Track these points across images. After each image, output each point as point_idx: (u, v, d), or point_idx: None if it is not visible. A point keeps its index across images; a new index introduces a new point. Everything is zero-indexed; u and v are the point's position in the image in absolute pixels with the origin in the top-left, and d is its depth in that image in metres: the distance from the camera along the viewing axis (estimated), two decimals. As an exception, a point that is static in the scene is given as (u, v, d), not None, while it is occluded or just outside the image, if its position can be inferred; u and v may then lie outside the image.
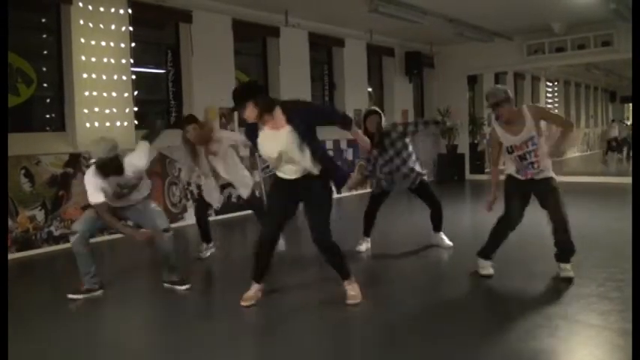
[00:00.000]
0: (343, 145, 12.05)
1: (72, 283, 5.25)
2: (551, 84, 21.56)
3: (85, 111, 7.75)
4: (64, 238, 7.41)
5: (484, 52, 13.82)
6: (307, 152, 4.39)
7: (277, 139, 4.38)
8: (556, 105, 21.90)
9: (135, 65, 8.36)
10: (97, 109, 7.85)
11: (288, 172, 4.52)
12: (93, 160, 5.00)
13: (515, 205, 5.14)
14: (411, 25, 11.13)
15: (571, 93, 23.53)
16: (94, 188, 4.98)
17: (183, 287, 5.29)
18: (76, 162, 7.67)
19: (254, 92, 4.44)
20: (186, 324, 4.46)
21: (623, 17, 11.39)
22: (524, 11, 11.15)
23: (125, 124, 8.07)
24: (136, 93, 8.33)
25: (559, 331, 3.97)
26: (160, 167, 8.60)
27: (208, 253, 6.65)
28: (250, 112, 4.41)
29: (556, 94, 21.94)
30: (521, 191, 5.15)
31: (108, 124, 7.91)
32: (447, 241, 6.72)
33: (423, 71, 14.64)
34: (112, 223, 5.16)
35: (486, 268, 5.37)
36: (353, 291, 4.71)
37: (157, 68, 9.35)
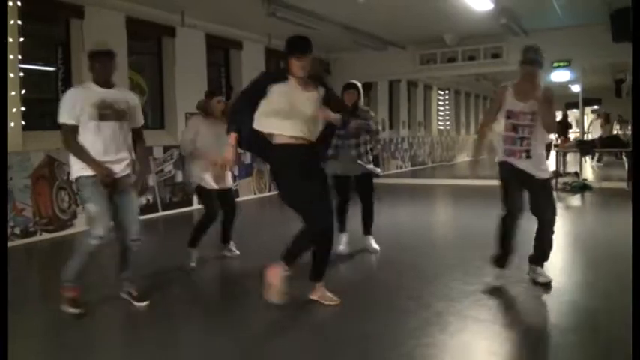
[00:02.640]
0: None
1: None
2: (442, 92, 22.50)
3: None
4: None
5: (379, 60, 14.22)
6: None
7: (309, 98, 4.44)
8: (447, 112, 22.87)
9: (23, 62, 7.96)
10: (-21, 107, 7.41)
11: (302, 131, 4.43)
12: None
13: (512, 196, 4.95)
14: (309, 32, 11.21)
15: (461, 101, 24.73)
16: (68, 104, 4.47)
17: (143, 304, 4.75)
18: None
19: None
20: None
21: (513, 32, 12.04)
22: (418, 22, 11.58)
23: (12, 124, 7.64)
24: (23, 91, 7.91)
25: (450, 326, 4.11)
26: (48, 171, 8.19)
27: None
28: (307, 64, 4.41)
29: (447, 102, 22.93)
30: (516, 179, 4.95)
31: (-7, 123, 7.47)
32: (375, 245, 6.62)
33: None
34: (77, 152, 4.51)
35: (542, 275, 5.09)
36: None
37: (46, 65, 8.94)
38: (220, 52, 12.11)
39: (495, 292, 4.88)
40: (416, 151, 20.29)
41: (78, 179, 4.60)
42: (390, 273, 5.69)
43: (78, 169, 4.56)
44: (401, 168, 18.93)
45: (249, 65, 12.21)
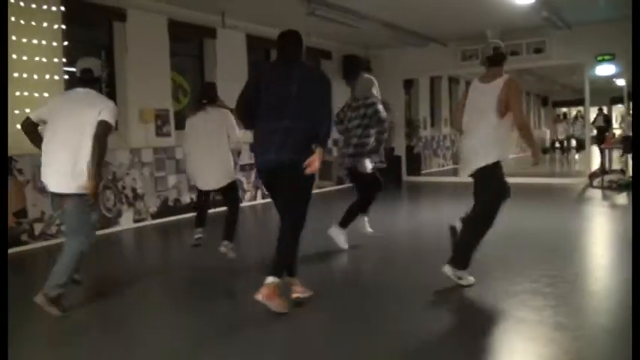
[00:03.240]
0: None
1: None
2: (484, 89, 22.13)
3: (16, 112, 7.47)
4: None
5: (419, 57, 14.09)
6: None
7: None
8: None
9: (67, 65, 8.12)
10: (28, 110, 7.55)
11: None
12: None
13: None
14: (349, 29, 11.23)
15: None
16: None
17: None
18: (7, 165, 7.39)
19: None
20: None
21: (555, 25, 11.81)
22: (459, 18, 11.42)
23: (57, 125, 7.83)
24: (68, 93, 8.08)
25: (494, 327, 4.05)
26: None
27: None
28: None
29: (489, 98, 22.55)
30: None
31: (40, 126, 7.63)
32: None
33: (360, 75, 14.74)
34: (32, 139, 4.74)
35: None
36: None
37: (90, 68, 9.08)
38: (261, 52, 12.14)
39: (540, 292, 4.79)
40: (458, 148, 20.06)
41: None
42: (430, 272, 5.63)
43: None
44: (443, 166, 18.76)
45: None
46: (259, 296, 4.25)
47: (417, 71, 15.28)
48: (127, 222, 8.85)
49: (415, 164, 15.82)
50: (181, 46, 10.39)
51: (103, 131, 4.56)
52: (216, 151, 6.18)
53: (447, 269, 4.88)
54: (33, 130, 4.83)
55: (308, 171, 4.32)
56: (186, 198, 9.74)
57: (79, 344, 4.07)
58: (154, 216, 9.28)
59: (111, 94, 9.05)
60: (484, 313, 4.37)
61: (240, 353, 3.75)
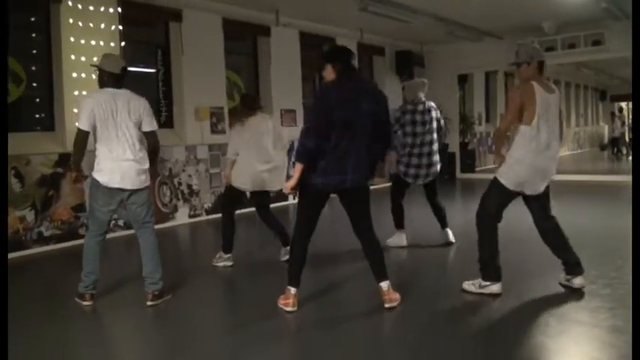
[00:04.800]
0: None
1: (65, 285, 5.20)
2: (541, 83, 21.59)
3: (75, 110, 7.69)
4: (54, 238, 7.42)
5: (474, 51, 13.86)
6: None
7: None
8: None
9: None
10: (86, 109, 7.80)
11: None
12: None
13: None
14: (402, 25, 11.15)
15: (561, 92, 23.57)
16: (85, 110, 4.64)
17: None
18: (65, 162, 7.61)
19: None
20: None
21: (614, 16, 11.45)
22: (514, 11, 11.20)
23: (115, 123, 8.04)
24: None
25: (549, 328, 3.98)
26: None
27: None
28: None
29: (546, 93, 21.99)
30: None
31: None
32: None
33: (413, 70, 14.65)
34: (76, 158, 4.77)
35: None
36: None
37: (147, 67, 9.30)
38: (314, 49, 12.15)
39: (597, 294, 4.67)
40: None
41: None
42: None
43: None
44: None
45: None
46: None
47: (472, 66, 15.07)
48: (182, 217, 9.04)
49: (469, 161, 15.60)
50: (236, 44, 10.51)
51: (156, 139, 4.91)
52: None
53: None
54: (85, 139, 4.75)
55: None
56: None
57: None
58: (209, 211, 9.43)
59: (167, 93, 9.25)
60: (538, 313, 4.29)
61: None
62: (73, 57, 7.67)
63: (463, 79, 16.32)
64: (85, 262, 4.85)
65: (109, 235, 6.76)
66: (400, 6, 10.15)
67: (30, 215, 7.27)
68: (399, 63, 14.01)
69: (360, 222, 4.56)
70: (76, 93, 7.67)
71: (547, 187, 4.83)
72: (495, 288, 4.71)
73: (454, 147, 14.87)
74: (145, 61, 9.33)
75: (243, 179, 5.94)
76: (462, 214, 9.78)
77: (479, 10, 11.08)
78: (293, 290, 4.49)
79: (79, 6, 7.72)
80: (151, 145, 4.89)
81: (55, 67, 7.74)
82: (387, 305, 4.45)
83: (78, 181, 5.16)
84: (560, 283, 4.83)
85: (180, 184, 9.05)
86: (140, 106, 4.79)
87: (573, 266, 4.78)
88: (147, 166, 4.82)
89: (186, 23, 9.12)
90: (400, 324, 4.35)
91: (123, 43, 8.23)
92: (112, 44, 8.05)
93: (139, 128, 4.78)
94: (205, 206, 9.42)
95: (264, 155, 5.92)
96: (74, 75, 7.68)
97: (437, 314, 4.45)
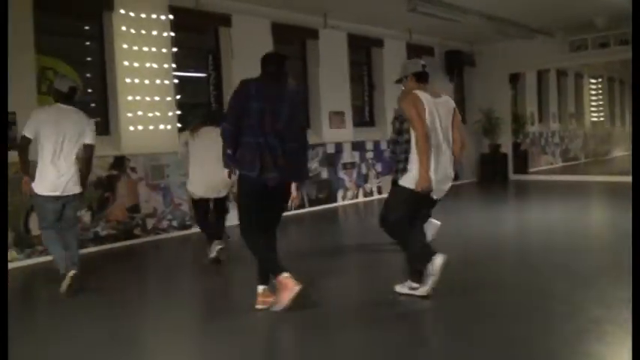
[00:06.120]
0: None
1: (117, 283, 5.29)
2: (595, 81, 21.08)
3: (129, 115, 7.89)
4: (110, 238, 7.63)
5: (526, 49, 13.58)
6: None
7: None
8: (600, 102, 21.43)
9: (177, 70, 8.47)
10: (140, 113, 7.98)
11: None
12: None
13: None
14: (451, 24, 11.03)
15: (615, 90, 22.96)
16: (31, 122, 5.32)
17: None
18: (120, 165, 7.82)
19: None
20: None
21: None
22: (566, 7, 10.94)
23: (168, 127, 8.19)
24: (178, 97, 8.44)
25: (607, 336, 3.87)
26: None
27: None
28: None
29: (600, 91, 21.45)
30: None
31: (151, 127, 8.05)
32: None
33: (463, 70, 14.50)
34: (21, 161, 5.35)
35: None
36: None
37: (198, 72, 9.44)
38: (362, 51, 12.17)
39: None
40: (567, 145, 19.28)
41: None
42: (537, 274, 5.45)
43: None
44: (551, 164, 18.01)
45: (391, 62, 12.17)
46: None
47: (524, 65, 14.79)
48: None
49: (522, 162, 15.31)
50: (284, 47, 10.55)
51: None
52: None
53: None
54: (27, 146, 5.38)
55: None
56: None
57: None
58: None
59: (218, 97, 9.37)
60: (589, 320, 4.17)
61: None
62: (126, 63, 7.84)
63: (515, 78, 16.04)
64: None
65: (163, 236, 6.91)
66: (449, 5, 10.04)
67: (86, 216, 7.46)
68: (449, 63, 13.86)
69: (276, 222, 4.80)
70: (130, 98, 7.86)
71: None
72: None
73: (506, 148, 14.59)
74: (196, 65, 9.47)
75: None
76: (516, 216, 9.63)
77: (528, 7, 10.86)
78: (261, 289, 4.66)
79: (132, 14, 7.90)
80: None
81: (108, 73, 7.93)
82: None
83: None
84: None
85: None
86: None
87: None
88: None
89: (236, 28, 9.22)
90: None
91: (174, 49, 8.38)
92: (164, 50, 8.21)
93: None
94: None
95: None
96: (127, 80, 7.85)
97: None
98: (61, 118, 5.33)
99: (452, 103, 4.90)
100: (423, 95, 4.74)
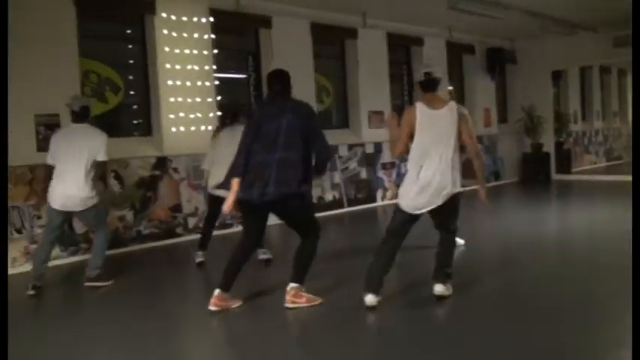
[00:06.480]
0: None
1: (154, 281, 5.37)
2: None
3: (171, 116, 8.02)
4: (152, 237, 7.78)
5: (568, 46, 13.32)
6: None
7: None
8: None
9: (217, 71, 8.58)
10: (182, 115, 8.11)
11: None
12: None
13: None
14: (492, 21, 10.92)
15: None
16: (50, 147, 5.69)
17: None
18: (162, 165, 7.96)
19: None
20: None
21: None
22: (609, 0, 10.72)
23: (209, 128, 8.27)
24: (219, 98, 8.54)
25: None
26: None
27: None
28: None
29: (646, 88, 20.94)
30: None
31: (193, 128, 8.17)
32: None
33: (505, 68, 14.31)
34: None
35: None
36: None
37: (238, 73, 9.53)
38: (401, 50, 12.11)
39: None
40: (611, 144, 18.86)
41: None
42: (584, 276, 5.37)
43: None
44: (595, 163, 17.61)
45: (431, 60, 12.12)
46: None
47: (566, 62, 14.51)
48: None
49: (565, 161, 15.03)
50: (324, 47, 10.60)
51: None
52: None
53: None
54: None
55: None
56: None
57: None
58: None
59: (258, 98, 9.42)
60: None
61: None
62: (168, 66, 7.97)
63: (557, 75, 15.77)
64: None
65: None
66: (490, 2, 9.94)
67: (129, 215, 7.62)
68: (490, 61, 13.70)
69: (296, 230, 4.86)
70: (172, 100, 7.99)
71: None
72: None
73: (549, 147, 14.34)
74: (237, 67, 9.56)
75: None
76: (558, 216, 9.49)
77: (571, 2, 10.67)
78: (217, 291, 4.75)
79: (173, 17, 8.03)
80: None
81: (150, 75, 8.08)
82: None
83: None
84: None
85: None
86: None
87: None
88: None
89: (276, 29, 9.29)
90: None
91: (215, 51, 8.49)
92: (205, 52, 8.32)
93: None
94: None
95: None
96: (169, 83, 7.99)
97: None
98: (72, 137, 5.63)
99: (459, 111, 4.71)
100: (420, 107, 4.74)
